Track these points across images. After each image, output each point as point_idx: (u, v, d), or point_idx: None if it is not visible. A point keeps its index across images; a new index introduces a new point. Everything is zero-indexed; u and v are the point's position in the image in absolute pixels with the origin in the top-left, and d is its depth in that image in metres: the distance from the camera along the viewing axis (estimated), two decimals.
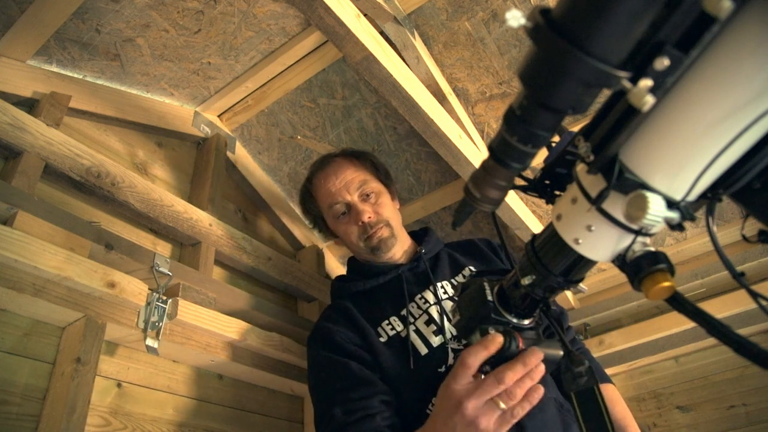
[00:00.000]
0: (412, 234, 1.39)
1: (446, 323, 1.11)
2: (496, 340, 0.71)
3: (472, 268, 1.24)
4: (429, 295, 1.17)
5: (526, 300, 0.69)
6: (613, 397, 1.17)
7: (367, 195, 1.29)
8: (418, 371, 1.05)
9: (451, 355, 1.06)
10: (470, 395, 0.73)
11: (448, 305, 1.14)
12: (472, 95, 1.52)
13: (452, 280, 1.21)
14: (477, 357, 0.72)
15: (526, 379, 0.72)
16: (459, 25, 1.39)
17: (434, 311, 1.14)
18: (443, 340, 1.08)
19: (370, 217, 1.25)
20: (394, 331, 1.12)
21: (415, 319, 1.13)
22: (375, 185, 1.32)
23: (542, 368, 0.73)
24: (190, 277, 1.23)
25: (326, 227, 1.37)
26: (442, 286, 1.19)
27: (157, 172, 1.46)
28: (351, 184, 1.29)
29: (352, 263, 1.36)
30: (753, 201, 0.47)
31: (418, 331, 1.11)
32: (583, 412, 0.65)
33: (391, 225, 1.27)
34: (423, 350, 1.08)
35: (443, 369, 1.05)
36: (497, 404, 0.73)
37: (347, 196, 1.28)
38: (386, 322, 1.14)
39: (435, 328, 1.10)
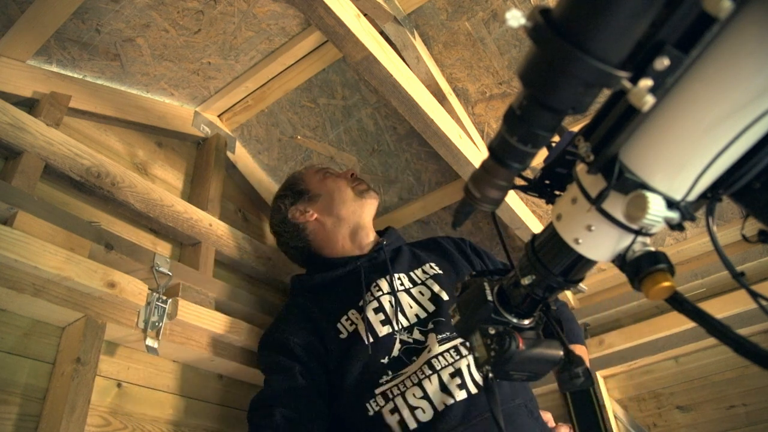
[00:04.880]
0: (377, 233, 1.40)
1: (399, 315, 1.11)
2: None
3: (433, 264, 1.25)
4: (384, 284, 1.17)
5: (526, 300, 0.68)
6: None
7: None
8: (364, 362, 1.06)
9: (397, 346, 1.06)
10: None
11: (404, 297, 1.15)
12: (472, 95, 1.52)
13: (410, 273, 1.22)
14: None
15: None
16: (459, 25, 1.39)
17: (386, 300, 1.14)
18: (391, 331, 1.08)
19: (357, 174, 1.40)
20: (353, 326, 1.13)
21: (366, 304, 1.13)
22: None
23: None
24: (190, 277, 1.23)
25: (301, 202, 1.36)
26: (399, 278, 1.20)
27: (157, 172, 1.46)
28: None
29: (310, 260, 1.36)
30: (753, 201, 0.47)
31: (366, 319, 1.11)
32: (577, 412, 0.65)
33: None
34: (368, 339, 1.08)
35: (386, 360, 1.05)
36: None
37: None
38: (345, 317, 1.15)
39: (383, 317, 1.11)
